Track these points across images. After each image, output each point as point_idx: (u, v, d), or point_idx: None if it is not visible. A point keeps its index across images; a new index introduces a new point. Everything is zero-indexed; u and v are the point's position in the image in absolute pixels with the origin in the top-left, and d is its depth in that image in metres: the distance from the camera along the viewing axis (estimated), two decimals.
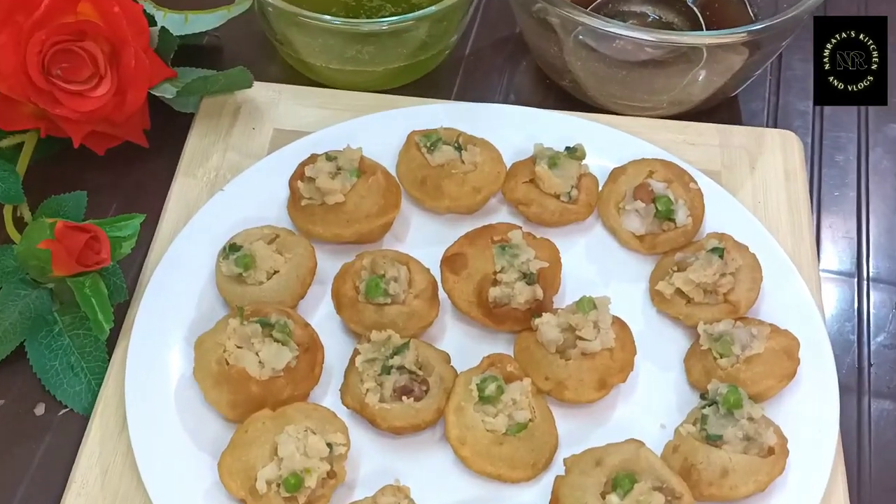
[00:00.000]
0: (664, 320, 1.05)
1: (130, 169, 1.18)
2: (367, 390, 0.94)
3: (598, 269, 1.09)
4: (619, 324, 1.00)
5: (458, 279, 1.02)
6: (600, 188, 1.12)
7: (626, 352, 0.99)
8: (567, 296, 1.05)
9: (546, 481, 0.94)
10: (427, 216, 1.11)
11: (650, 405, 1.00)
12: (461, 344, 1.02)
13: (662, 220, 1.06)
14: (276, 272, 1.01)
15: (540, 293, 0.99)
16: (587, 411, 0.99)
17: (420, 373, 0.96)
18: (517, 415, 0.93)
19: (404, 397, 0.94)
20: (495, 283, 1.00)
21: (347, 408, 0.96)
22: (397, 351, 0.95)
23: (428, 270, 1.03)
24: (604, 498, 0.87)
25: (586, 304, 0.96)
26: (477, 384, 0.93)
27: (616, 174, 1.11)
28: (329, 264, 1.05)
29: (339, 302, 1.01)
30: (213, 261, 1.04)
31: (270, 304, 0.99)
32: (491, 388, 0.93)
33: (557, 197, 1.09)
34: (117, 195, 1.15)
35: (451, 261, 1.03)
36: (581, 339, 0.96)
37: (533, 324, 0.98)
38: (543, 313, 0.98)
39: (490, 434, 0.92)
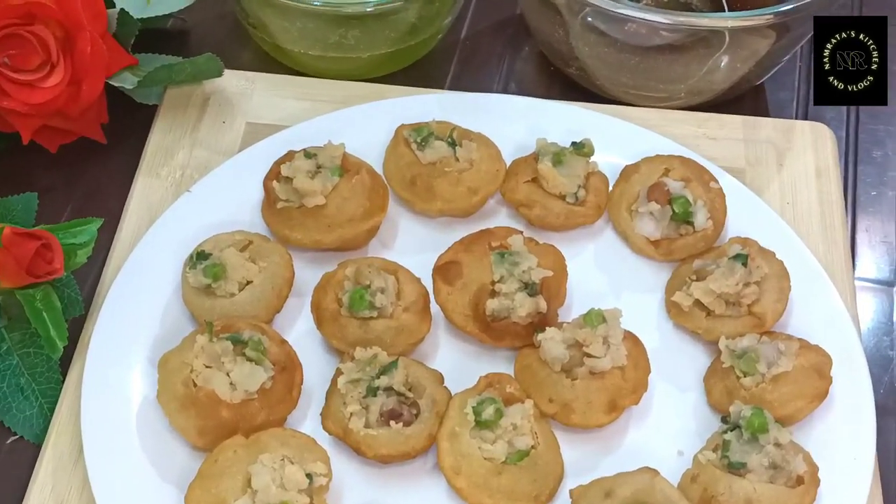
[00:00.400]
0: (682, 335, 1.05)
1: (86, 168, 1.18)
2: (351, 414, 0.95)
3: (608, 278, 1.09)
4: (631, 339, 1.00)
5: (452, 290, 1.03)
6: (610, 188, 1.12)
7: (640, 370, 0.99)
8: (574, 308, 1.05)
9: None
10: (417, 220, 1.12)
11: (666, 430, 1.00)
12: (456, 362, 1.03)
13: (679, 224, 1.07)
14: (249, 283, 1.02)
15: (543, 305, 1.00)
16: (596, 437, 0.99)
17: (410, 394, 0.96)
18: (518, 441, 0.93)
19: (392, 422, 0.94)
20: (493, 294, 1.01)
21: (329, 434, 0.96)
22: (384, 370, 0.96)
23: (419, 280, 1.03)
24: None
25: (595, 318, 0.97)
26: (473, 407, 0.94)
27: (628, 172, 1.12)
28: (308, 274, 1.05)
29: (320, 316, 1.01)
30: (178, 270, 1.04)
31: (243, 318, 0.99)
32: (489, 412, 0.93)
33: (563, 198, 1.09)
34: (72, 197, 1.16)
35: (445, 270, 1.03)
36: (589, 356, 0.96)
37: (535, 339, 0.99)
38: (547, 328, 0.98)
39: (488, 463, 0.92)
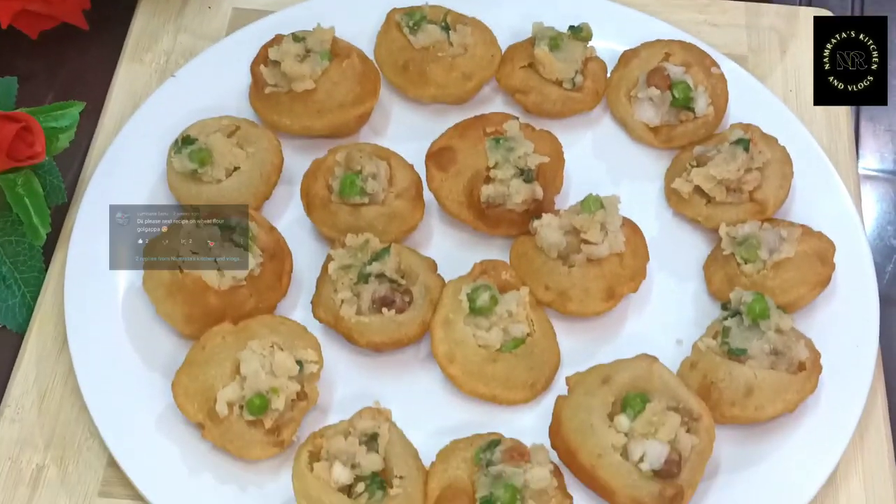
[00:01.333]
0: (681, 223, 1.04)
1: (68, 54, 1.16)
2: (342, 301, 0.93)
3: (607, 165, 1.08)
4: (629, 226, 0.99)
5: (445, 176, 1.01)
6: (609, 74, 1.10)
7: (638, 258, 0.98)
8: (571, 196, 1.04)
9: (546, 403, 0.93)
10: (410, 106, 1.10)
11: (665, 318, 0.99)
12: (449, 250, 1.02)
13: (680, 110, 1.05)
14: (236, 169, 1.00)
15: (539, 192, 0.98)
16: (593, 325, 0.98)
17: (402, 281, 0.95)
18: (513, 328, 0.92)
19: (384, 309, 0.93)
20: (488, 180, 0.99)
21: (320, 321, 0.95)
22: (376, 257, 0.94)
23: (411, 167, 1.01)
24: (612, 420, 0.87)
25: (592, 204, 0.95)
26: (468, 294, 0.92)
27: (627, 57, 1.10)
28: (298, 161, 1.04)
29: (310, 202, 0.99)
30: (163, 157, 1.02)
31: (230, 204, 0.97)
32: (483, 299, 0.92)
33: (560, 84, 1.07)
34: (53, 84, 1.14)
35: (438, 156, 1.01)
36: (586, 242, 0.94)
37: (531, 226, 0.97)
38: (543, 214, 0.97)
39: (482, 350, 0.92)
